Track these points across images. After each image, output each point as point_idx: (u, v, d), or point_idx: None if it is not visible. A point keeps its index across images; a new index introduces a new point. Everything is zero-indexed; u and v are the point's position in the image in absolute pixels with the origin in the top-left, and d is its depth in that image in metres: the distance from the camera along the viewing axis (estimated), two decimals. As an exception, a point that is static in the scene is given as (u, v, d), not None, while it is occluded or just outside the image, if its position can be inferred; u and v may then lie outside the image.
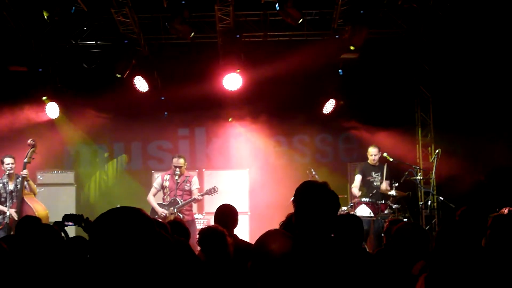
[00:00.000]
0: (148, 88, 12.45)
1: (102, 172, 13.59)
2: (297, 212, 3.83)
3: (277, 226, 5.94)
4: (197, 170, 13.15)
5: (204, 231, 5.61)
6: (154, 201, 11.25)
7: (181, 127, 13.78)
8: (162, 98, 13.37)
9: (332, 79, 12.75)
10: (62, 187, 12.83)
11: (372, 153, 11.67)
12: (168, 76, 12.83)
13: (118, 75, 11.83)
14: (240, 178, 13.38)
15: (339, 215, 6.41)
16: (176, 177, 11.18)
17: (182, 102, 13.06)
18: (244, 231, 12.28)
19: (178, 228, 5.69)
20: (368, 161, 11.78)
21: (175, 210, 10.88)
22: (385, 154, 11.63)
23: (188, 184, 11.25)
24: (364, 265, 5.23)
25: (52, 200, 11.75)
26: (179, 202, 11.06)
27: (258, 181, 13.34)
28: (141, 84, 12.37)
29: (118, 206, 2.84)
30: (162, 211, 10.96)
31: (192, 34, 11.15)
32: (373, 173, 11.64)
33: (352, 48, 11.38)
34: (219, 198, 10.80)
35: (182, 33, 11.11)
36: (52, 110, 12.39)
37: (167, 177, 11.33)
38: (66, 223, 5.64)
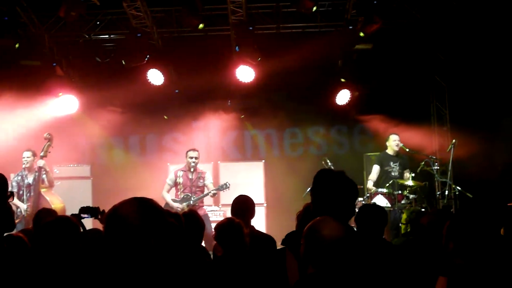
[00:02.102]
0: (162, 81, 12.42)
1: (118, 165, 13.60)
2: (314, 200, 3.81)
3: (293, 217, 5.93)
4: (212, 163, 13.17)
5: (221, 223, 5.59)
6: (169, 196, 11.25)
7: (196, 120, 13.72)
8: (176, 91, 13.35)
9: (346, 70, 12.64)
10: (79, 180, 12.94)
11: (395, 138, 11.57)
12: (181, 69, 12.79)
13: (123, 62, 11.80)
14: (255, 170, 13.38)
15: (364, 204, 6.38)
16: (190, 175, 11.17)
17: (196, 95, 13.13)
18: (261, 222, 12.29)
19: (193, 219, 5.66)
20: (387, 150, 11.68)
21: (186, 206, 10.85)
22: (401, 144, 11.56)
23: (201, 181, 11.26)
24: (386, 256, 5.22)
25: (69, 193, 11.79)
26: (192, 198, 11.05)
27: (274, 172, 13.34)
28: (154, 77, 12.35)
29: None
30: (176, 206, 10.94)
31: (202, 25, 11.09)
32: (392, 163, 11.55)
33: (361, 34, 11.27)
34: (235, 190, 10.75)
35: (190, 24, 11.09)
36: (68, 104, 12.43)
37: (181, 173, 11.33)
38: (82, 215, 5.63)
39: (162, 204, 10.57)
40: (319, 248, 3.21)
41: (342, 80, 12.54)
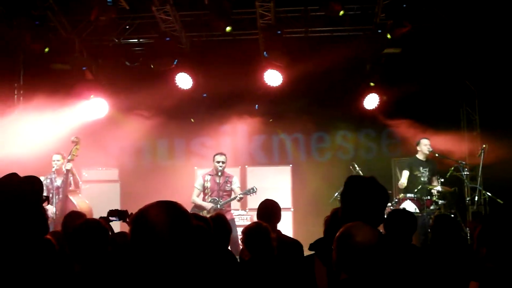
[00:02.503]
0: (190, 86, 12.47)
1: (146, 169, 13.68)
2: (344, 206, 3.78)
3: (320, 222, 5.91)
4: (239, 167, 13.20)
5: (249, 227, 5.59)
6: (199, 200, 11.28)
7: (223, 124, 13.74)
8: (204, 95, 13.44)
9: (375, 74, 12.58)
10: (107, 184, 13.07)
11: (426, 143, 11.44)
12: (209, 73, 12.81)
13: (152, 66, 11.89)
14: (282, 174, 13.38)
15: (393, 210, 6.35)
16: (218, 179, 11.20)
17: (224, 99, 13.18)
18: (288, 227, 12.27)
19: (220, 223, 5.68)
20: (418, 155, 11.56)
21: (213, 210, 10.86)
22: (431, 149, 11.46)
23: (228, 185, 11.24)
24: (414, 260, 5.18)
25: (97, 197, 11.81)
26: (219, 202, 11.07)
27: (301, 177, 13.33)
28: (183, 81, 12.40)
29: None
30: (210, 206, 10.95)
31: (229, 28, 11.10)
32: (421, 168, 11.42)
33: (388, 36, 11.21)
34: (262, 194, 10.73)
35: (218, 28, 11.12)
36: (98, 108, 12.55)
37: (208, 177, 11.33)
38: (110, 218, 5.69)
39: (190, 209, 10.66)
40: (352, 254, 3.16)
41: (372, 84, 12.47)
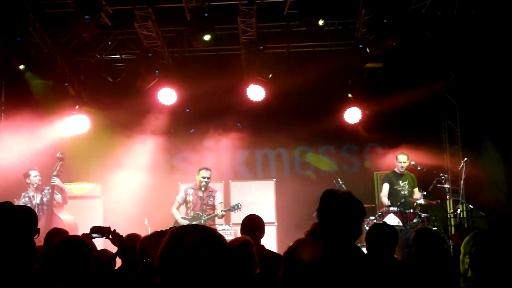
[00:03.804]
0: (173, 101, 12.49)
1: (129, 185, 13.60)
2: (321, 221, 3.77)
3: (302, 236, 5.89)
4: (223, 181, 13.16)
5: (233, 243, 5.57)
6: (178, 214, 11.26)
7: (206, 139, 13.73)
8: (187, 110, 13.47)
9: (357, 88, 12.66)
10: (90, 200, 12.92)
11: (401, 160, 11.60)
12: (192, 89, 12.82)
13: (135, 83, 11.91)
14: (266, 189, 13.34)
15: (374, 223, 6.36)
16: (200, 193, 11.20)
17: (207, 114, 13.17)
18: (271, 242, 12.23)
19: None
20: (396, 169, 11.72)
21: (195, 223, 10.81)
22: (412, 163, 11.57)
23: (211, 199, 11.25)
24: (395, 274, 5.18)
25: (80, 213, 11.74)
26: (203, 217, 11.05)
27: (285, 191, 13.29)
28: (165, 97, 12.42)
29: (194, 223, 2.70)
30: (182, 222, 10.92)
31: (209, 37, 11.10)
32: (401, 182, 11.58)
33: (368, 50, 11.31)
34: (246, 209, 10.76)
35: (199, 39, 11.14)
36: (80, 123, 12.54)
37: (191, 191, 11.33)
38: (93, 235, 5.62)
39: (172, 222, 10.63)
40: (296, 272, 3.15)
41: (349, 95, 12.55)
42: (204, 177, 11.20)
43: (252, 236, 5.94)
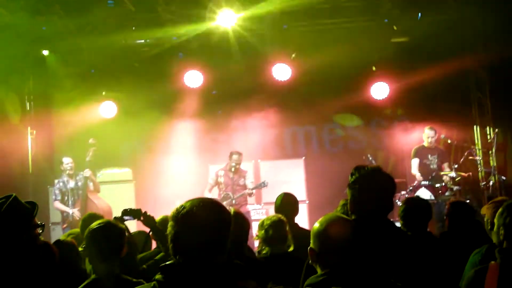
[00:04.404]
0: (200, 84, 12.55)
1: (160, 168, 13.70)
2: (352, 197, 3.80)
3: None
4: (253, 161, 13.19)
5: (266, 221, 5.59)
6: (209, 196, 11.37)
7: (234, 120, 13.76)
8: (214, 92, 13.54)
9: (383, 63, 12.56)
10: (121, 184, 13.03)
11: (429, 135, 11.53)
12: (218, 70, 12.81)
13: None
14: (296, 167, 13.35)
15: (407, 198, 6.34)
16: (231, 174, 11.43)
17: (234, 95, 13.21)
18: (303, 220, 12.22)
19: (239, 219, 5.65)
20: (424, 143, 11.64)
21: (227, 205, 10.96)
22: (442, 136, 11.46)
23: (242, 179, 11.46)
24: (430, 248, 5.16)
25: (112, 198, 11.83)
26: (231, 196, 11.13)
27: (314, 169, 13.29)
28: (192, 80, 12.48)
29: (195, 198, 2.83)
30: None
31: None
32: (429, 155, 11.51)
33: (394, 28, 11.19)
34: (277, 188, 10.77)
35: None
36: (108, 109, 12.70)
37: (222, 172, 11.58)
38: (125, 218, 5.70)
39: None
40: (329, 247, 3.13)
41: (374, 68, 12.49)
42: (234, 161, 11.45)
43: (286, 214, 5.96)
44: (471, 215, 6.08)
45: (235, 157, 11.52)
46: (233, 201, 11.22)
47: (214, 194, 11.47)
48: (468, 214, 6.04)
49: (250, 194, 11.52)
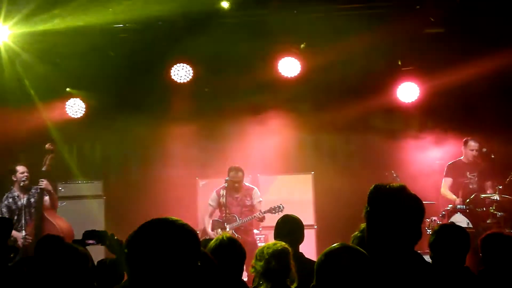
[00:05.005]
0: (189, 78, 12.56)
1: (136, 181, 13.65)
2: (369, 223, 3.77)
3: (348, 241, 5.85)
4: (250, 176, 13.09)
5: (266, 250, 5.53)
6: (209, 222, 11.60)
7: (230, 124, 13.69)
8: (206, 89, 13.56)
9: (413, 60, 12.55)
10: (88, 200, 12.98)
11: (473, 147, 11.50)
12: (212, 63, 12.79)
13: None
14: (303, 184, 13.33)
15: (440, 225, 6.29)
16: (235, 193, 11.62)
17: (230, 94, 13.22)
18: (310, 249, 12.11)
19: (235, 248, 5.55)
20: (463, 157, 11.58)
21: (228, 228, 10.96)
22: (484, 149, 11.39)
23: (248, 199, 11.54)
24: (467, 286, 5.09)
25: (76, 217, 11.85)
26: (237, 219, 11.20)
27: (326, 187, 13.23)
28: (180, 73, 12.46)
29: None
30: (212, 234, 11.02)
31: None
32: (468, 173, 11.45)
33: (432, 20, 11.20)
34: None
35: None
36: (75, 108, 12.61)
37: (223, 192, 11.60)
38: (87, 241, 5.58)
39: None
40: (332, 283, 3.11)
41: (399, 63, 12.52)
42: (234, 181, 11.57)
43: (289, 242, 5.91)
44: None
45: (232, 174, 11.62)
46: (237, 225, 11.35)
47: (215, 217, 11.60)
48: (506, 250, 5.96)
49: (261, 219, 11.52)
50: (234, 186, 11.62)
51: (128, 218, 12.03)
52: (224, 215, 11.50)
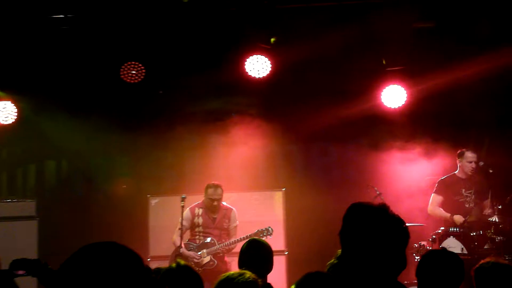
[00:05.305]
0: (141, 79, 12.57)
1: (76, 200, 13.50)
2: (344, 246, 3.75)
3: (324, 269, 5.82)
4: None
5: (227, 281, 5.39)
6: (178, 242, 11.53)
7: (187, 133, 13.59)
8: (160, 92, 13.65)
9: (400, 59, 12.56)
10: (18, 222, 12.84)
11: (471, 158, 11.53)
12: (167, 62, 12.72)
13: None
14: (272, 202, 13.32)
15: (429, 251, 6.25)
16: (213, 213, 11.79)
17: (188, 97, 13.22)
18: (280, 279, 12.15)
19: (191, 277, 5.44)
20: (457, 172, 11.58)
21: (206, 254, 10.95)
22: (481, 163, 11.40)
23: (226, 221, 11.82)
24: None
25: (5, 240, 11.84)
26: (216, 244, 11.45)
27: (299, 206, 13.22)
28: (129, 72, 12.45)
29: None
30: (193, 256, 11.27)
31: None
32: (464, 190, 11.46)
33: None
34: (244, 231, 10.73)
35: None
36: (4, 113, 12.57)
37: (199, 211, 11.80)
38: (15, 272, 5.47)
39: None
40: None
41: (384, 62, 12.57)
42: (213, 199, 11.65)
43: (255, 270, 5.78)
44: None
45: (211, 191, 11.73)
46: (216, 250, 11.51)
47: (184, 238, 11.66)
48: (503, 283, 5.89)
49: (231, 247, 11.58)
50: (212, 205, 11.66)
51: (66, 243, 11.86)
52: (197, 237, 11.63)
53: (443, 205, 11.68)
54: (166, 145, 13.76)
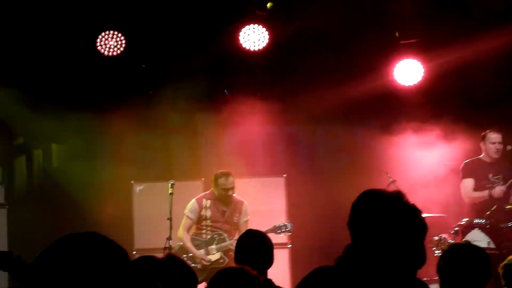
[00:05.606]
0: (120, 50, 12.62)
1: (51, 185, 13.52)
2: (355, 240, 3.69)
3: (331, 263, 5.84)
4: (203, 179, 13.07)
5: (220, 277, 5.42)
6: (189, 240, 11.59)
7: (176, 113, 13.59)
8: (143, 65, 13.63)
9: (415, 30, 12.64)
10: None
11: (494, 139, 11.45)
12: (151, 33, 12.72)
13: None
14: (273, 190, 13.39)
15: (453, 244, 6.25)
16: (223, 206, 11.69)
17: (174, 72, 13.21)
18: (283, 273, 12.20)
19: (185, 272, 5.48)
20: (483, 155, 11.55)
21: (216, 250, 11.07)
22: (509, 147, 11.39)
23: (237, 215, 11.73)
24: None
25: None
26: (227, 239, 11.42)
27: (301, 193, 13.28)
28: (110, 44, 12.56)
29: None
30: (201, 257, 11.28)
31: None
32: (491, 175, 11.42)
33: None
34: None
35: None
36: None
37: (207, 202, 11.70)
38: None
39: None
40: None
41: (397, 34, 12.68)
42: (227, 188, 11.51)
43: (254, 265, 5.80)
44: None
45: (221, 181, 11.55)
46: (227, 246, 11.42)
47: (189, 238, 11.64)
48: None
49: None
50: (227, 195, 11.57)
51: (40, 233, 11.95)
52: (203, 231, 11.61)
53: (473, 190, 11.59)
54: (150, 126, 13.75)
